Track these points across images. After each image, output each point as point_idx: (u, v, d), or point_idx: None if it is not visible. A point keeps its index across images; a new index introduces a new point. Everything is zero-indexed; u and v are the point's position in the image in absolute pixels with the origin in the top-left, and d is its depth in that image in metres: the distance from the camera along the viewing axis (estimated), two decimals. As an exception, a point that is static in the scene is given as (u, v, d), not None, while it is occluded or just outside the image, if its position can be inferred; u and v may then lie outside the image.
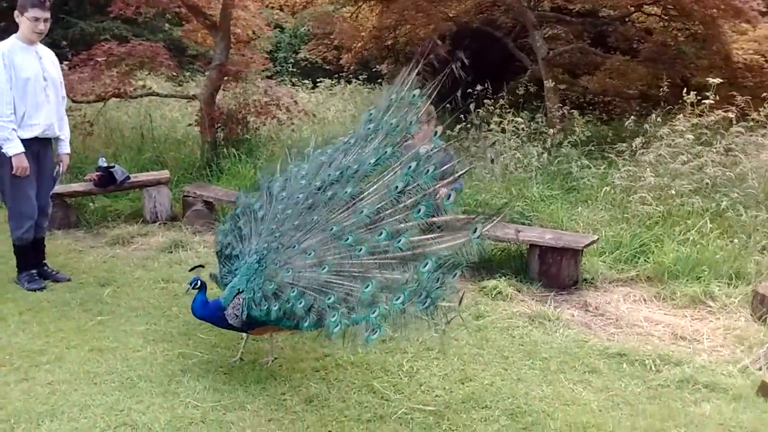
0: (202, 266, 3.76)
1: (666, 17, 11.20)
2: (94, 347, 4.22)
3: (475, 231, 3.17)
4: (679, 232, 6.02)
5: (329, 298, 3.33)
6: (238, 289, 3.63)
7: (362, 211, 3.49)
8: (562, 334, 4.69)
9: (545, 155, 7.86)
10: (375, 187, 3.58)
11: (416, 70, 3.65)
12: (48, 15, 5.03)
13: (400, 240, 3.31)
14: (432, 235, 3.30)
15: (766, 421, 3.60)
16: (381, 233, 3.38)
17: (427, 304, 3.10)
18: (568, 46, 11.11)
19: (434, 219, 3.34)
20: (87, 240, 6.58)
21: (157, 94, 8.90)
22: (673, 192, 6.15)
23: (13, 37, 5.08)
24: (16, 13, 5.00)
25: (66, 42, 14.36)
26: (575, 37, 12.67)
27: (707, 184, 6.34)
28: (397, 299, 3.14)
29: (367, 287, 3.23)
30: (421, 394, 3.77)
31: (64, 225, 6.81)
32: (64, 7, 14.28)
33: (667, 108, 8.57)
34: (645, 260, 5.89)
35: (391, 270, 3.30)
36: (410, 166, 3.47)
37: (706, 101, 6.95)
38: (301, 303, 3.39)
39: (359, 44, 12.34)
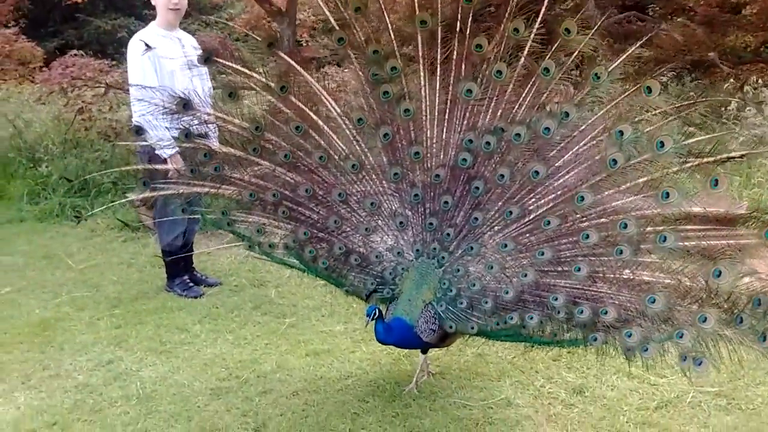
0: (375, 291, 3.25)
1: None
2: (309, 351, 3.96)
3: None
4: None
5: (604, 311, 2.77)
6: (424, 302, 3.09)
7: (582, 198, 2.81)
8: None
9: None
10: (567, 159, 2.88)
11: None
12: None
13: (664, 238, 2.70)
14: (700, 227, 2.71)
15: None
16: (624, 225, 2.75)
17: (757, 331, 2.55)
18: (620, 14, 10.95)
19: (695, 209, 2.70)
20: (207, 241, 6.24)
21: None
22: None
23: (152, 25, 4.76)
24: None
25: (79, 41, 13.81)
26: (604, 8, 12.55)
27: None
28: (703, 321, 2.61)
29: (652, 301, 2.68)
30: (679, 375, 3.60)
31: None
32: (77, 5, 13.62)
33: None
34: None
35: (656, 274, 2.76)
36: (621, 132, 2.75)
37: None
38: (582, 313, 2.80)
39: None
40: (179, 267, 5.00)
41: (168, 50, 4.60)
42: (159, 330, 4.29)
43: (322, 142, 3.24)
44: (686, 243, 2.70)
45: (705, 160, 2.66)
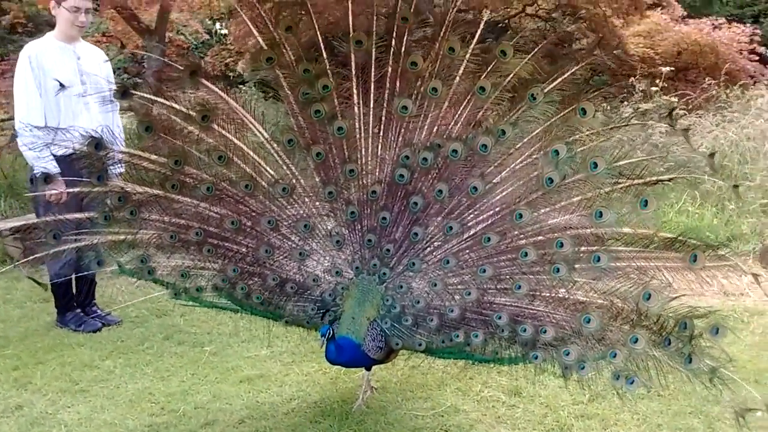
0: (327, 311, 3.14)
1: (545, 19, 12.25)
2: (242, 378, 3.82)
3: (695, 260, 2.69)
4: (669, 205, 6.72)
5: (543, 330, 2.85)
6: (368, 319, 3.06)
7: (521, 215, 2.89)
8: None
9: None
10: (504, 176, 2.95)
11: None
12: (90, 4, 4.41)
13: (598, 257, 2.79)
14: (632, 249, 2.81)
15: None
16: (560, 244, 2.84)
17: (684, 353, 2.61)
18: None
19: (625, 230, 2.82)
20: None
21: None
22: (662, 169, 6.83)
23: (48, 35, 4.44)
24: (52, 4, 4.36)
25: None
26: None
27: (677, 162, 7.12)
28: (634, 341, 2.69)
29: (588, 321, 2.77)
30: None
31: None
32: None
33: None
34: (651, 233, 6.51)
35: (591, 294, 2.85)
36: (556, 151, 2.83)
37: (654, 88, 7.78)
38: (525, 331, 2.86)
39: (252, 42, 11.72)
40: (70, 299, 4.61)
41: (59, 66, 4.29)
42: (65, 368, 3.92)
43: (248, 170, 3.13)
44: (618, 263, 2.79)
45: (636, 181, 2.76)
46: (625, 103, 8.18)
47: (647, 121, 3.73)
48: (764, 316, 4.78)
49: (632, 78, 8.20)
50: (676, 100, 7.81)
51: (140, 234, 3.15)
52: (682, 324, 2.62)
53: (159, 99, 3.14)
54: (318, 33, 3.13)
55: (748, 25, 11.95)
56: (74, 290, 4.65)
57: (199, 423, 3.34)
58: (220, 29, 17.26)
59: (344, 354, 3.04)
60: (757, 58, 10.50)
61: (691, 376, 2.62)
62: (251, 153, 3.15)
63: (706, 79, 8.54)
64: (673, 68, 8.25)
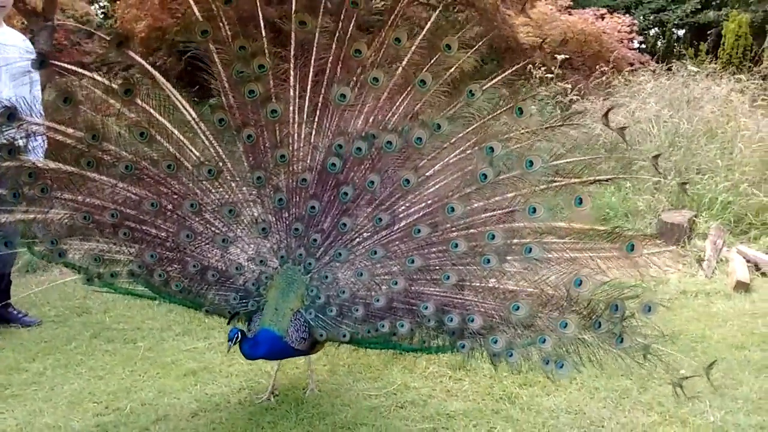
0: (237, 313, 3.11)
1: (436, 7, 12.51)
2: (186, 371, 3.73)
3: (632, 248, 2.76)
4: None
5: (471, 319, 2.84)
6: (292, 310, 3.00)
7: (453, 208, 2.89)
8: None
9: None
10: (437, 170, 2.96)
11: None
12: None
13: (530, 249, 2.83)
14: (565, 241, 2.86)
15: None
16: (492, 236, 2.86)
17: (615, 334, 2.68)
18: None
19: (559, 224, 2.87)
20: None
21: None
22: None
23: None
24: None
25: None
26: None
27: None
28: (563, 327, 2.72)
29: (516, 308, 2.79)
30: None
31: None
32: None
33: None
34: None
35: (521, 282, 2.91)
36: (491, 148, 2.85)
37: (550, 75, 8.18)
38: (451, 321, 2.86)
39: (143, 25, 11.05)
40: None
41: None
42: (-12, 374, 3.68)
43: (171, 149, 3.02)
44: (551, 255, 2.84)
45: (573, 180, 2.80)
46: (524, 90, 8.58)
47: (582, 122, 3.81)
48: (668, 285, 5.20)
49: (530, 66, 8.56)
50: (570, 87, 8.26)
51: (51, 213, 2.98)
52: (613, 306, 2.67)
53: (77, 68, 2.99)
54: (259, 8, 3.04)
55: (622, 15, 12.80)
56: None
57: (150, 419, 3.24)
58: (97, 13, 16.37)
59: (261, 348, 2.97)
60: (636, 47, 11.29)
61: (624, 355, 2.70)
62: (176, 132, 3.04)
63: (597, 65, 9.09)
64: (566, 56, 8.68)
